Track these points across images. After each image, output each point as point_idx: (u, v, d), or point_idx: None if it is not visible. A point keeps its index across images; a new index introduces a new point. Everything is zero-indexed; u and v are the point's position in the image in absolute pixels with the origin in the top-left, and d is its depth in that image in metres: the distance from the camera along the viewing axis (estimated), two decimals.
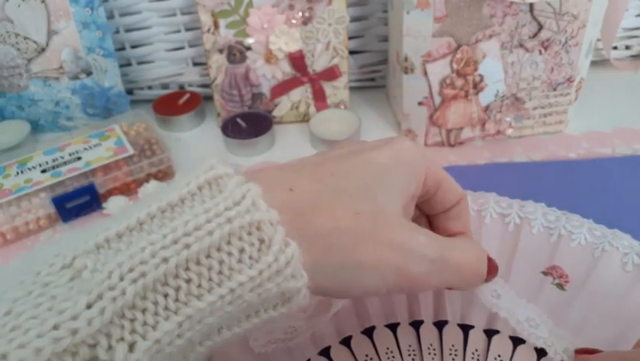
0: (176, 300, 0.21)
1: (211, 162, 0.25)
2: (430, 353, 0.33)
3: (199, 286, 0.22)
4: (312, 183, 0.25)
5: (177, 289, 0.21)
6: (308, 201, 0.25)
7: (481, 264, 0.30)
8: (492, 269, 0.31)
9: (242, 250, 0.22)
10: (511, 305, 0.33)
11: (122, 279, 0.20)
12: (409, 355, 0.33)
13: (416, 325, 0.34)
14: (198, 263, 0.22)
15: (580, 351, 0.30)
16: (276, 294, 0.23)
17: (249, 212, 0.23)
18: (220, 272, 0.22)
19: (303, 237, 0.24)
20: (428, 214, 0.33)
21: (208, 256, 0.22)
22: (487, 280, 0.32)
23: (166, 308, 0.21)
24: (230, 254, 0.22)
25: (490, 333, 0.33)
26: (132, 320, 0.20)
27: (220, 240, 0.22)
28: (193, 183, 0.24)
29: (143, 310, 0.21)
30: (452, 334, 0.34)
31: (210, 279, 0.22)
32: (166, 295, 0.21)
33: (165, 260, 0.21)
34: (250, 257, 0.22)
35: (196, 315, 0.21)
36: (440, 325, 0.34)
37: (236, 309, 0.22)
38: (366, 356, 0.33)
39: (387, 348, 0.33)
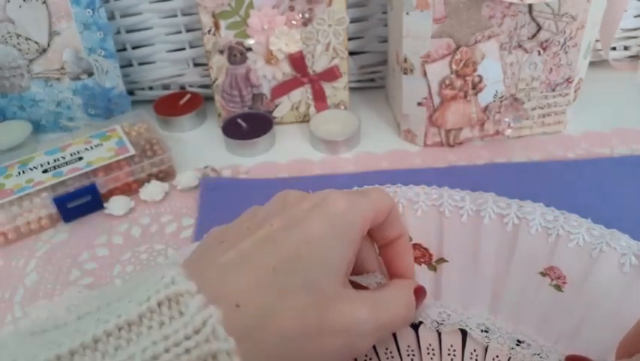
0: None
1: (172, 273, 0.24)
2: (429, 354, 0.33)
3: None
4: (256, 290, 0.25)
5: None
6: (256, 317, 0.25)
7: (410, 310, 0.32)
8: (419, 298, 0.33)
9: None
10: (500, 335, 0.34)
11: None
12: (408, 355, 0.33)
13: (415, 326, 0.35)
14: None
15: (570, 358, 0.30)
16: None
17: (207, 342, 0.22)
18: None
19: (252, 354, 0.24)
20: None
21: None
22: (418, 305, 0.33)
23: None
24: None
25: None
26: None
27: None
28: (153, 299, 0.23)
29: None
30: (451, 335, 0.34)
31: None
32: None
33: None
34: None
35: None
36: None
37: None
38: (366, 356, 0.33)
39: (387, 349, 0.34)
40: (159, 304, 0.23)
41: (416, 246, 0.40)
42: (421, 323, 0.35)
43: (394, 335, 0.34)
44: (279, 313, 0.25)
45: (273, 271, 0.26)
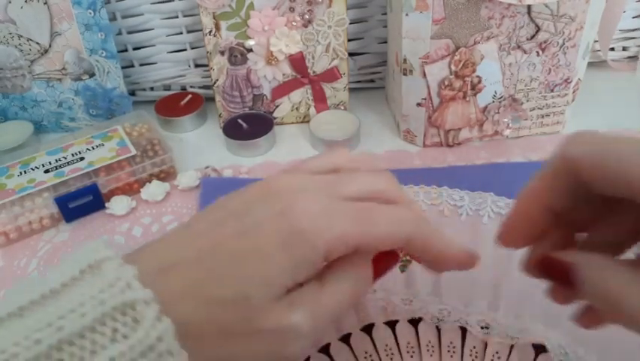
0: None
1: (95, 244, 0.25)
2: (428, 351, 0.33)
3: None
4: (181, 299, 0.25)
5: None
6: (180, 321, 0.24)
7: (362, 284, 0.28)
8: (383, 267, 0.29)
9: (115, 330, 0.23)
10: (500, 331, 0.34)
11: None
12: (408, 352, 0.34)
13: (415, 322, 0.35)
14: (71, 344, 0.22)
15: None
16: None
17: (122, 293, 0.23)
18: (93, 351, 0.22)
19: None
20: None
21: (82, 337, 0.22)
22: (384, 272, 0.30)
23: None
24: (103, 334, 0.22)
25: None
26: None
27: (93, 321, 0.22)
28: (76, 268, 0.24)
29: None
30: (451, 332, 0.34)
31: (82, 358, 0.22)
32: None
33: (38, 342, 0.22)
34: (124, 336, 0.23)
35: None
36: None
37: None
38: (366, 353, 0.34)
39: (387, 345, 0.34)
40: (82, 272, 0.24)
41: None
42: (420, 319, 0.35)
43: (394, 333, 0.34)
44: (201, 323, 0.25)
45: (204, 281, 0.25)
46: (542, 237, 0.27)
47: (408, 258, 0.39)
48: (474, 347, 0.33)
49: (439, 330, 0.34)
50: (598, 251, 0.25)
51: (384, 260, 0.29)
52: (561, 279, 0.25)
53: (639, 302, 0.21)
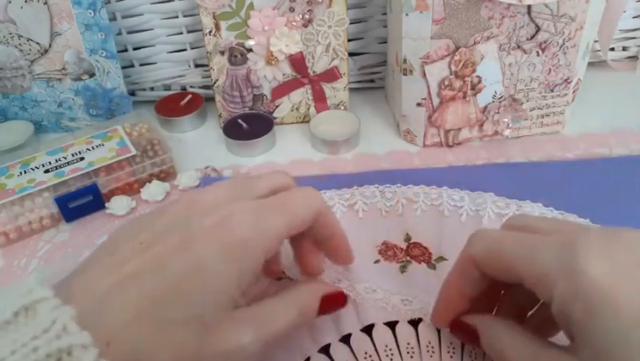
0: None
1: (29, 284, 0.24)
2: (428, 352, 0.34)
3: None
4: (131, 325, 0.23)
5: None
6: (127, 355, 0.23)
7: (304, 315, 0.30)
8: (331, 305, 0.33)
9: None
10: None
11: None
12: (408, 353, 0.34)
13: (415, 323, 0.35)
14: None
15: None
16: None
17: (59, 338, 0.21)
18: None
19: None
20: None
21: None
22: (330, 312, 0.33)
23: None
24: None
25: None
26: None
27: None
28: (8, 311, 0.22)
29: None
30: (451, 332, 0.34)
31: None
32: None
33: None
34: None
35: None
36: None
37: None
38: (366, 353, 0.34)
39: (387, 346, 0.34)
40: (15, 314, 0.23)
41: (416, 245, 0.41)
42: (420, 319, 0.35)
43: (394, 333, 0.34)
44: (153, 350, 0.24)
45: (153, 304, 0.24)
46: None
47: (408, 259, 0.40)
48: (473, 348, 0.33)
49: (439, 331, 0.34)
50: (511, 312, 0.32)
51: (332, 300, 0.33)
52: (470, 337, 0.31)
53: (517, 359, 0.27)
